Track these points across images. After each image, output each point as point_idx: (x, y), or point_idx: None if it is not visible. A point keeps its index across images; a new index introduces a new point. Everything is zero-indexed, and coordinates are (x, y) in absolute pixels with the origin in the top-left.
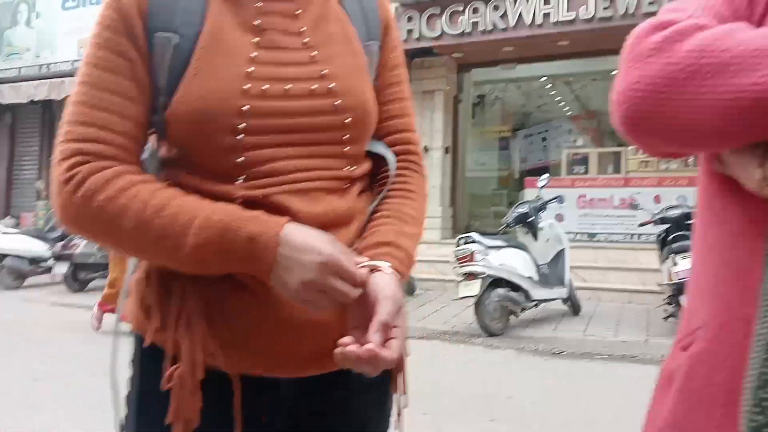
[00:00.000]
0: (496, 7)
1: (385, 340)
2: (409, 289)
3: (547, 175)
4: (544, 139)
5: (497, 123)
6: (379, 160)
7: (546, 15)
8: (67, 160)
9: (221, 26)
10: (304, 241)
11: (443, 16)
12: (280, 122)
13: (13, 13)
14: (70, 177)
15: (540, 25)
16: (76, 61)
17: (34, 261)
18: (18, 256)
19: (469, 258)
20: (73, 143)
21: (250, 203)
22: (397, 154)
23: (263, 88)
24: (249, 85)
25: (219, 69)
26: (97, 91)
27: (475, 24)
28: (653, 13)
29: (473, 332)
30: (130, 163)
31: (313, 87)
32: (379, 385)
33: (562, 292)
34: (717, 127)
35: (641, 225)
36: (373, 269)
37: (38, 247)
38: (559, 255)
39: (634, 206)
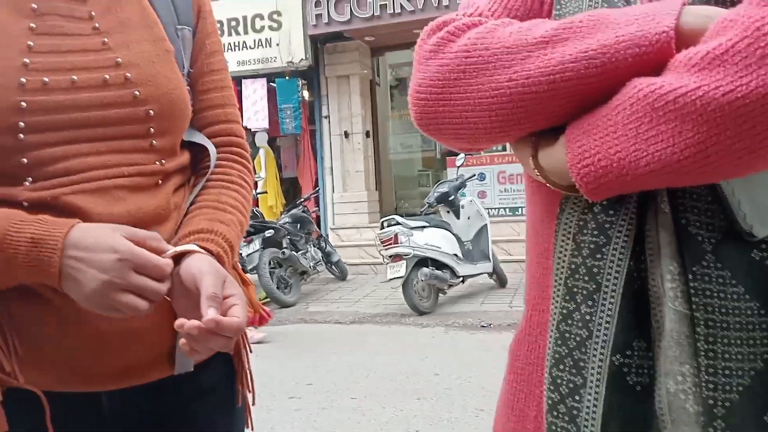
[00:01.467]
0: None
1: (224, 312)
2: (341, 274)
3: (463, 154)
4: None
5: None
6: (201, 152)
7: None
8: None
9: None
10: (96, 240)
11: (351, 0)
12: (67, 117)
13: None
14: None
15: (447, 6)
16: None
17: None
18: None
19: (393, 240)
20: None
21: (36, 206)
22: (218, 145)
23: (44, 80)
24: (26, 79)
25: None
26: None
27: (383, 6)
28: None
29: (404, 312)
30: None
31: (105, 76)
32: (218, 389)
33: (487, 266)
34: (486, 123)
35: None
36: (183, 254)
37: None
38: (482, 231)
39: None
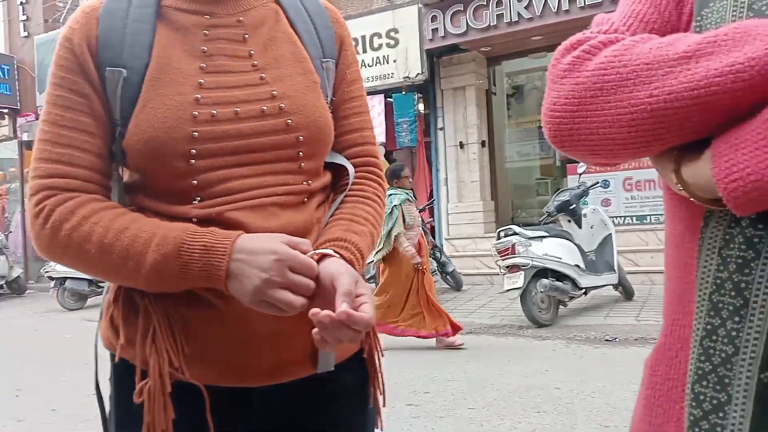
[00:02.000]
0: None
1: (355, 308)
2: (456, 285)
3: None
4: None
5: (535, 112)
6: (341, 172)
7: (572, 1)
8: (36, 195)
9: (168, 56)
10: (258, 245)
11: (467, 12)
12: (231, 144)
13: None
14: (39, 211)
15: (567, 11)
16: None
17: (93, 282)
18: (78, 278)
19: (510, 250)
20: (40, 179)
21: (204, 221)
22: (355, 165)
23: (212, 113)
24: (197, 112)
25: (167, 98)
26: (58, 129)
27: (500, 16)
28: None
29: (522, 324)
30: (94, 192)
31: (263, 108)
32: (354, 390)
33: (611, 278)
34: (626, 139)
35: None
36: (321, 257)
37: None
38: (606, 240)
39: None
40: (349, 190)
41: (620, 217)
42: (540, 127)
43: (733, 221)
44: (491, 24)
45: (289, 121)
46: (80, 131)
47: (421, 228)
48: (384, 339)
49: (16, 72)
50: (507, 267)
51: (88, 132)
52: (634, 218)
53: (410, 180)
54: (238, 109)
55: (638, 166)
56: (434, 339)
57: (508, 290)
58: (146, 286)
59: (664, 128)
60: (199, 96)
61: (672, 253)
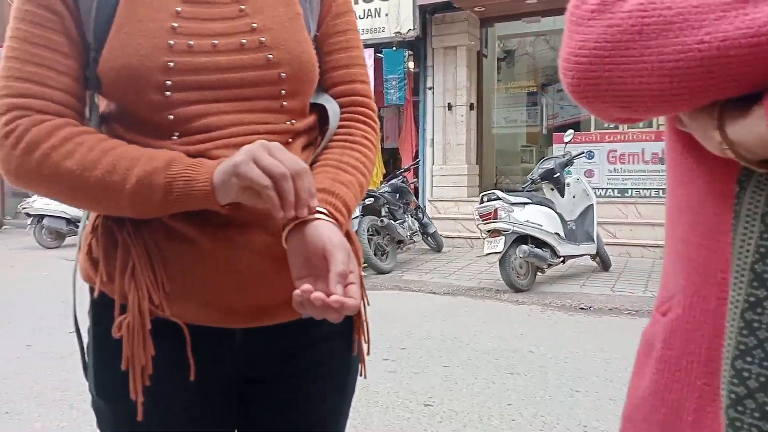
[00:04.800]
0: None
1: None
2: (437, 246)
3: (571, 130)
4: None
5: (525, 78)
6: (328, 112)
7: None
8: (5, 115)
9: None
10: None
11: None
12: (208, 78)
13: None
14: (10, 131)
15: None
16: None
17: (72, 221)
18: (56, 216)
19: (493, 215)
20: (10, 98)
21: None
22: (342, 105)
23: (189, 43)
24: (173, 41)
25: (141, 24)
26: (28, 46)
27: None
28: None
29: (499, 288)
30: (71, 117)
31: (242, 41)
32: (341, 334)
33: (590, 248)
34: (667, 90)
35: None
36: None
37: (75, 208)
38: (587, 211)
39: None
40: (335, 134)
41: (602, 188)
42: (530, 94)
43: None
44: None
45: (270, 56)
46: (53, 50)
47: None
48: None
49: None
50: (488, 231)
51: (61, 52)
52: (616, 191)
53: None
54: (216, 42)
55: (623, 139)
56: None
57: (487, 254)
58: (129, 207)
59: (713, 79)
60: (176, 25)
61: (685, 220)
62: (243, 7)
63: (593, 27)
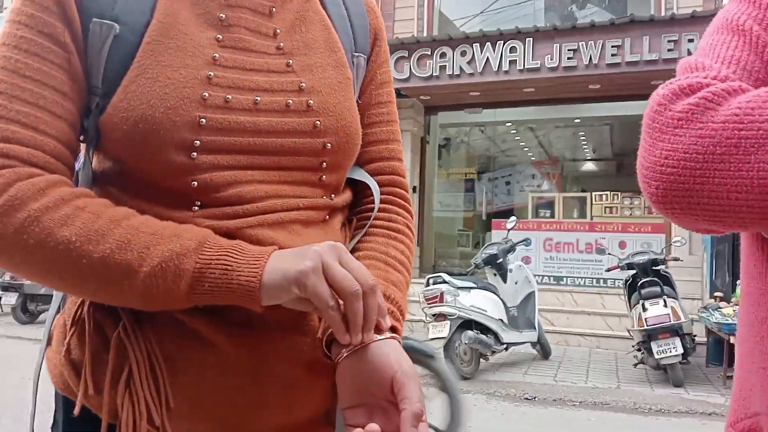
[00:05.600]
0: (463, 53)
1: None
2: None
3: (514, 217)
4: (507, 183)
5: (463, 165)
6: (361, 190)
7: (512, 62)
8: None
9: (176, 17)
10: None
11: (411, 59)
12: (245, 141)
13: None
14: None
15: (506, 72)
16: None
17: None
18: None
19: (439, 299)
20: None
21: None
22: (380, 184)
23: (227, 97)
24: (208, 94)
25: (170, 69)
26: (19, 79)
27: (442, 68)
28: (615, 65)
29: None
30: (62, 174)
31: (288, 101)
32: None
33: (532, 335)
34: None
35: (608, 270)
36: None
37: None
38: (529, 297)
39: (601, 251)
40: (375, 218)
41: (539, 275)
42: (467, 180)
43: None
44: (433, 74)
45: (318, 122)
46: (51, 88)
47: None
48: None
49: None
50: (433, 315)
51: (60, 92)
52: (552, 278)
53: None
54: (259, 98)
55: (559, 228)
56: None
57: (432, 339)
58: (140, 296)
59: None
60: (212, 74)
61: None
62: (290, 61)
63: (681, 136)
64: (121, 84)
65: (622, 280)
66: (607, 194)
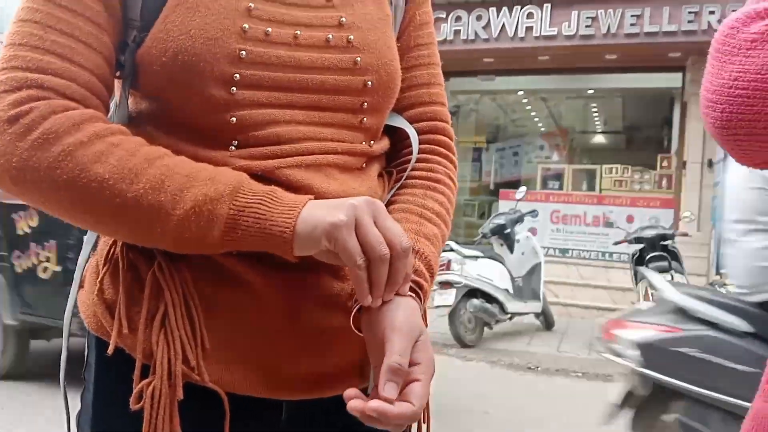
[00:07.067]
0: (479, 17)
1: (405, 386)
2: None
3: (524, 188)
4: (515, 154)
5: (471, 134)
6: (399, 138)
7: (528, 29)
8: (13, 93)
9: None
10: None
11: None
12: (285, 76)
13: None
14: (18, 114)
15: (522, 38)
16: None
17: None
18: None
19: (446, 266)
20: (23, 72)
21: (252, 178)
22: (421, 131)
23: (267, 30)
24: (248, 25)
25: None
26: (54, 8)
27: (457, 32)
28: (634, 35)
29: (447, 342)
30: (97, 109)
31: (328, 36)
32: None
33: (536, 306)
34: None
35: (616, 243)
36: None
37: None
38: (535, 269)
39: (609, 224)
40: (413, 168)
41: (545, 247)
42: (474, 149)
43: None
44: (447, 38)
45: (358, 59)
46: (86, 19)
47: None
48: None
49: None
50: (439, 283)
51: (95, 23)
52: (558, 250)
53: None
54: (299, 32)
55: (567, 201)
56: None
57: (437, 306)
58: (172, 239)
59: None
60: (252, 5)
61: None
62: None
63: (754, 57)
64: (160, 15)
65: (628, 254)
66: (616, 168)
